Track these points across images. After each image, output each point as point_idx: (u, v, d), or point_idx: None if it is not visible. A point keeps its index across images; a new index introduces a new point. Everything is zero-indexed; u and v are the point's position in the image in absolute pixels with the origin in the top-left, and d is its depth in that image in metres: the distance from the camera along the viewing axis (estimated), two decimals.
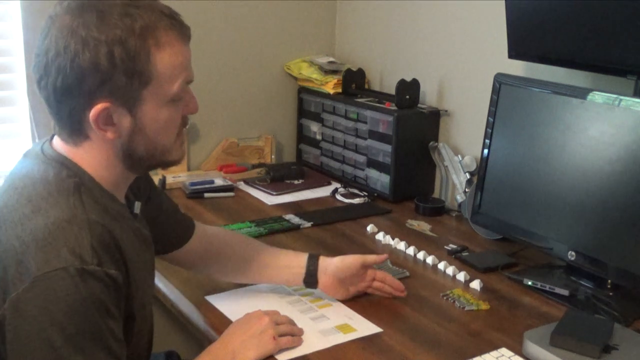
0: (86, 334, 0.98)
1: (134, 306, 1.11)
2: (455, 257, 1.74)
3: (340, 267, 1.45)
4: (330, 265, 1.46)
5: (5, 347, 1.00)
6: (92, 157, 1.09)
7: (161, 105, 1.07)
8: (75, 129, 1.07)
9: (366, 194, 2.18)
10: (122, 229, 1.10)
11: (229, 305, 1.44)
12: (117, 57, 1.00)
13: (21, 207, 1.04)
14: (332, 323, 1.38)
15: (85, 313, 0.98)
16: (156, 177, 2.18)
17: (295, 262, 1.48)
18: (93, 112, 1.03)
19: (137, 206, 1.22)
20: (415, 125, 2.14)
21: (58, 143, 1.12)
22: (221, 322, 1.36)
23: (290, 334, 1.30)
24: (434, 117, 2.17)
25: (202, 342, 1.36)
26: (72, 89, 1.02)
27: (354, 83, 2.36)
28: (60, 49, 1.01)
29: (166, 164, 1.17)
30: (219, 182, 2.21)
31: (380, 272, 1.51)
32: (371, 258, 1.48)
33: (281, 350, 1.27)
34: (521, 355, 1.28)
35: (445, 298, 1.52)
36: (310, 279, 1.46)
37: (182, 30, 1.08)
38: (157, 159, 1.13)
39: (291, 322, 1.34)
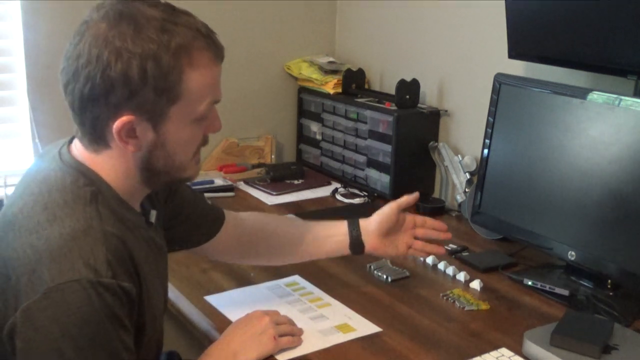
0: (97, 346, 0.97)
1: (145, 318, 1.10)
2: (455, 257, 1.73)
3: (380, 220, 1.46)
4: (370, 223, 1.47)
5: (15, 356, 0.99)
6: (111, 166, 1.08)
7: (186, 123, 1.06)
8: (96, 137, 1.06)
9: (366, 194, 2.18)
10: (136, 239, 1.09)
11: (229, 305, 1.44)
12: (149, 73, 0.99)
13: (36, 214, 1.02)
14: (332, 323, 1.38)
15: (98, 325, 0.97)
16: None
17: (336, 230, 1.48)
18: (117, 124, 1.01)
19: (153, 215, 1.20)
20: (415, 125, 2.14)
21: (77, 148, 1.10)
22: (221, 322, 1.36)
23: (291, 333, 1.30)
24: (434, 117, 2.17)
25: (202, 342, 1.36)
26: (99, 98, 1.00)
27: (354, 83, 2.36)
28: (92, 57, 0.99)
29: (180, 181, 1.18)
30: (219, 182, 2.21)
31: (419, 216, 1.53)
32: (403, 199, 1.49)
33: (281, 350, 1.26)
34: (521, 355, 1.28)
35: (445, 298, 1.52)
36: (357, 243, 1.46)
37: (216, 52, 1.07)
38: (173, 175, 1.12)
39: (291, 322, 1.34)
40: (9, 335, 0.98)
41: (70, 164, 1.08)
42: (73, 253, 0.97)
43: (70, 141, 1.13)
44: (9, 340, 0.98)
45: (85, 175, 1.06)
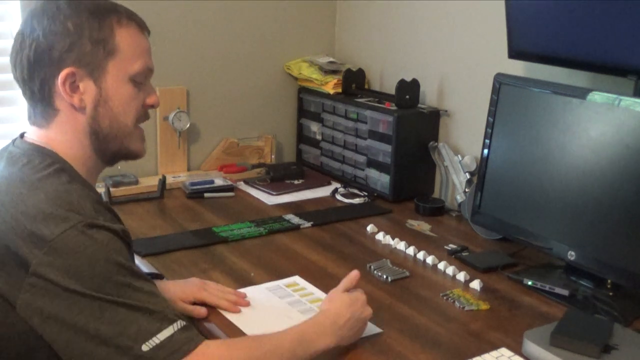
0: (112, 281, 1.02)
1: None
2: (455, 257, 1.73)
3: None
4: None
5: (32, 325, 1.01)
6: (65, 137, 1.15)
7: (124, 80, 1.15)
8: (45, 102, 1.14)
9: (366, 194, 2.18)
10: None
11: None
12: (85, 26, 1.11)
13: (16, 188, 1.08)
14: None
15: (106, 262, 1.03)
16: (156, 177, 2.18)
17: None
18: (61, 76, 1.11)
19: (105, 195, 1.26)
20: (415, 125, 2.14)
21: (30, 134, 1.19)
22: (220, 322, 1.36)
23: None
24: (434, 117, 2.17)
25: None
26: (44, 56, 1.11)
27: (354, 83, 2.36)
28: (35, 25, 1.12)
29: (128, 152, 1.23)
30: (219, 182, 2.21)
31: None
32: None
33: None
34: (521, 355, 1.28)
35: (445, 298, 1.52)
36: None
37: (141, 23, 1.19)
38: (119, 143, 1.19)
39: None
40: (25, 306, 1.01)
41: (30, 148, 1.15)
42: (63, 207, 1.04)
43: (21, 136, 1.20)
44: (26, 310, 1.01)
45: (49, 156, 1.14)
